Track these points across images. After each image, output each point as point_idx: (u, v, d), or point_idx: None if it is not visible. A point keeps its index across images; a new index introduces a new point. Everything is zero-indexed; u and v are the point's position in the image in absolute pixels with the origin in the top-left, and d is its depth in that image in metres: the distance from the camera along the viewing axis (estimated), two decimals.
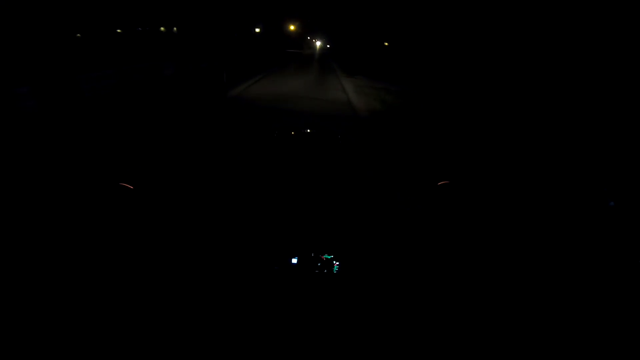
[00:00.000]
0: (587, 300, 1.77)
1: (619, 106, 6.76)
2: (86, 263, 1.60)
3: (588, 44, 8.19)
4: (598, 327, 1.62)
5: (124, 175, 1.66)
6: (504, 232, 2.09)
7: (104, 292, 1.47)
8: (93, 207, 1.63)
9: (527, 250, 2.03)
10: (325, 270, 1.41)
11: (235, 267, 1.40)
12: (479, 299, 1.50)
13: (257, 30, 34.02)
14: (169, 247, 1.44)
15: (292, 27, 41.79)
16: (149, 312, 1.40)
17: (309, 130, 2.48)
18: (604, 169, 4.16)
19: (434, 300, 1.44)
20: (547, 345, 1.48)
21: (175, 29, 20.05)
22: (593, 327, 1.61)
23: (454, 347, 1.38)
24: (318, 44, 63.25)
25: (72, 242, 1.76)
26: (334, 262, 1.41)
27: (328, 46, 62.10)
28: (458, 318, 1.44)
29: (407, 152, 4.20)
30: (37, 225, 2.00)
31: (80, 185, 2.50)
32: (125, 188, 1.58)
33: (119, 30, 17.02)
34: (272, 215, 1.50)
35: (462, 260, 1.50)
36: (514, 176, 3.78)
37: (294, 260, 1.41)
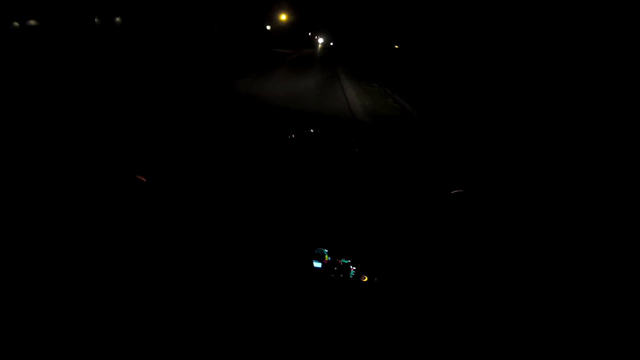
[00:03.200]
0: (592, 312, 1.79)
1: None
2: (96, 252, 1.58)
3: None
4: (600, 339, 1.64)
5: (138, 167, 1.65)
6: (517, 242, 2.10)
7: (112, 284, 1.46)
8: (108, 197, 1.62)
9: (540, 259, 2.05)
10: (342, 275, 1.40)
11: (250, 269, 1.39)
12: (492, 306, 1.51)
13: (268, 27, 29.44)
14: (179, 243, 1.42)
15: (283, 17, 32.33)
16: (159, 308, 1.39)
17: (322, 131, 2.48)
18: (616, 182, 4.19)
19: (447, 307, 1.44)
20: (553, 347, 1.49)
21: (118, 19, 14.27)
22: (595, 339, 1.63)
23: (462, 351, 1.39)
24: (320, 40, 62.42)
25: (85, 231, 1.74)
26: (351, 267, 1.40)
27: (331, 44, 61.55)
28: (471, 325, 1.45)
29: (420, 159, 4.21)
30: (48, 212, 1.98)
31: (97, 174, 2.50)
32: (139, 180, 1.57)
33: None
34: (289, 216, 1.49)
35: (476, 269, 1.50)
36: (529, 185, 3.81)
37: (318, 265, 1.40)
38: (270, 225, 1.45)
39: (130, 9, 14.27)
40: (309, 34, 56.19)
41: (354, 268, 1.40)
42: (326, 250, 1.40)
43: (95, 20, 12.61)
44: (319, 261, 1.40)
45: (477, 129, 6.98)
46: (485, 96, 10.92)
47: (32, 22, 10.41)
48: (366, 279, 1.40)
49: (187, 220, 1.46)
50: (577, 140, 6.38)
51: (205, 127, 4.56)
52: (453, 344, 1.40)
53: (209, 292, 1.38)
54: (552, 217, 2.94)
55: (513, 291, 1.68)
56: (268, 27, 29.77)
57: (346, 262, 1.40)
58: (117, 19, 13.75)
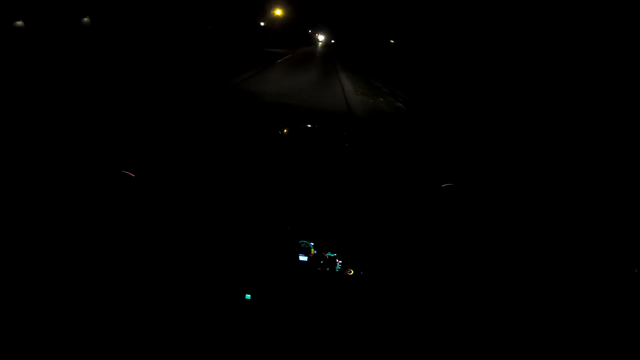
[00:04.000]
0: (585, 309, 1.79)
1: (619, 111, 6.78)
2: (85, 251, 1.57)
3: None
4: (595, 336, 1.63)
5: (126, 162, 1.64)
6: (506, 236, 2.10)
7: (102, 283, 1.45)
8: (94, 193, 1.61)
9: (529, 254, 2.05)
10: (328, 269, 1.40)
11: (237, 263, 1.39)
12: (482, 304, 1.51)
13: (262, 24, 26.12)
14: (168, 239, 1.42)
15: (278, 13, 28.04)
16: (148, 307, 1.39)
17: (312, 126, 2.47)
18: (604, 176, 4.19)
19: (436, 301, 1.44)
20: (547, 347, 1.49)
21: (86, 19, 11.78)
22: (590, 336, 1.63)
23: (453, 347, 1.39)
24: (321, 38, 62.01)
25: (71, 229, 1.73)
26: (337, 260, 1.40)
27: (332, 41, 61.19)
28: (461, 323, 1.44)
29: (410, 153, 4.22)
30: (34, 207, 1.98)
31: (81, 170, 2.49)
32: (126, 175, 1.56)
33: None
34: (276, 209, 1.48)
35: (465, 263, 1.49)
36: (518, 180, 3.81)
37: (304, 258, 1.40)
38: (257, 218, 1.44)
39: (102, 8, 12.27)
40: (309, 31, 55.20)
41: (340, 262, 1.40)
42: (312, 244, 1.40)
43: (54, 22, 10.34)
44: (305, 255, 1.40)
45: (471, 125, 6.99)
46: (481, 92, 10.91)
47: None
48: (352, 273, 1.39)
49: (175, 215, 1.46)
50: (567, 137, 6.38)
51: (190, 125, 4.54)
52: (439, 337, 1.40)
53: (197, 285, 1.38)
54: (543, 210, 2.94)
55: (502, 284, 1.67)
56: (262, 24, 26.37)
57: (332, 255, 1.40)
58: (85, 19, 11.58)
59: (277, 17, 28.77)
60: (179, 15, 16.46)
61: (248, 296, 1.36)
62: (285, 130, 2.23)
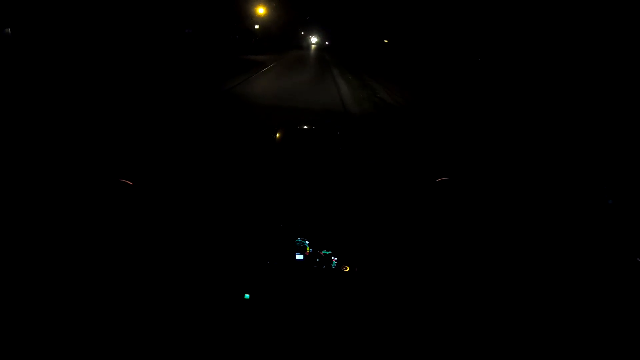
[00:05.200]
0: (587, 298, 1.78)
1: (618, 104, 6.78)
2: (82, 260, 1.59)
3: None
4: (597, 326, 1.63)
5: (123, 171, 1.65)
6: (503, 230, 2.10)
7: (102, 291, 1.47)
8: (91, 203, 1.63)
9: (527, 247, 2.05)
10: (324, 266, 1.42)
11: (235, 264, 1.41)
12: (477, 298, 1.52)
13: (257, 27, 23.52)
14: (168, 245, 1.43)
15: (261, 11, 24.13)
16: (148, 311, 1.41)
17: (307, 127, 2.48)
18: (603, 166, 4.19)
19: (432, 298, 1.45)
20: (547, 346, 1.49)
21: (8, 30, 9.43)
22: (592, 326, 1.62)
23: (452, 347, 1.40)
24: (314, 40, 61.21)
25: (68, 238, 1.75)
26: (332, 257, 1.42)
27: (327, 43, 60.50)
28: (456, 317, 1.45)
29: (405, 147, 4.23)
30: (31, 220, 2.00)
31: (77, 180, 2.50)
32: (124, 184, 1.58)
33: None
34: (272, 210, 1.50)
35: (461, 258, 1.51)
36: (514, 173, 3.81)
37: (300, 257, 1.42)
38: (253, 219, 1.46)
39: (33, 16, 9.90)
40: (302, 33, 54.29)
41: (336, 259, 1.42)
42: (307, 242, 1.42)
43: None
44: (301, 253, 1.42)
45: (466, 118, 7.00)
46: (475, 89, 10.92)
47: None
48: (348, 269, 1.41)
49: (173, 219, 1.48)
50: (565, 125, 6.38)
51: (181, 129, 4.49)
52: (434, 331, 1.42)
53: (197, 286, 1.40)
54: (542, 201, 2.95)
55: (498, 278, 1.68)
56: (256, 27, 23.48)
57: (327, 253, 1.42)
58: (7, 30, 9.52)
59: (262, 17, 24.90)
60: (157, 18, 15.07)
61: (247, 296, 1.38)
62: (278, 132, 2.24)
